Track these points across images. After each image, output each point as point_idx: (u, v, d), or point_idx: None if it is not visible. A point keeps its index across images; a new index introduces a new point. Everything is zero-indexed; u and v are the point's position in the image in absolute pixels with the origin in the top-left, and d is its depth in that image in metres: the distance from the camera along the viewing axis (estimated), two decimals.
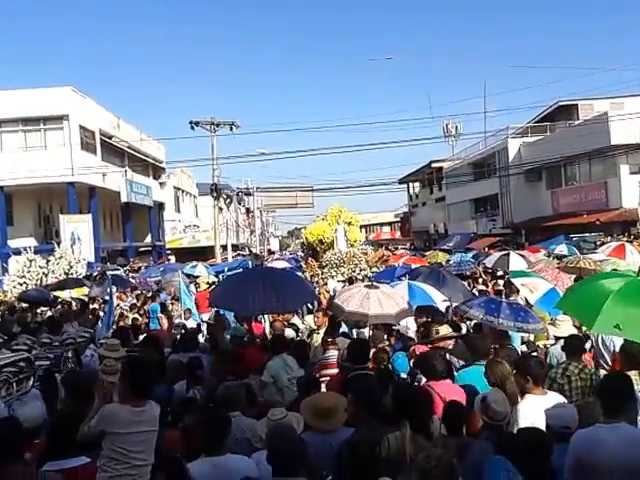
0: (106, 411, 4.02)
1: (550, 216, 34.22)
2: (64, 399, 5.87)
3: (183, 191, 54.95)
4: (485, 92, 75.52)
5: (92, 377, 5.84)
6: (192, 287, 18.14)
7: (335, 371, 6.89)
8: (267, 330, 9.65)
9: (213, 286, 16.64)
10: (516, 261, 14.62)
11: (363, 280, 16.66)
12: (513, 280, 10.43)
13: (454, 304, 8.91)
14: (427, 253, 26.29)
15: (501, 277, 15.52)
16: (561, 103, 38.59)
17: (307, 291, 9.19)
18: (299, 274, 14.92)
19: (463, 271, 16.81)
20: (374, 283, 9.04)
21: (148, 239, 42.71)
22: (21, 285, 21.14)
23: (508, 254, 15.59)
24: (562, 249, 17.78)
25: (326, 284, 16.95)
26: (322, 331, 8.83)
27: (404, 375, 6.65)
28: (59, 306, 16.03)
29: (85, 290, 18.05)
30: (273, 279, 8.49)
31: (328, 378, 6.80)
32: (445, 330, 6.90)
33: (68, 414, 4.84)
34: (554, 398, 5.14)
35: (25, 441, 3.94)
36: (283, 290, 8.00)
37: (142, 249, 41.70)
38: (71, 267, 22.72)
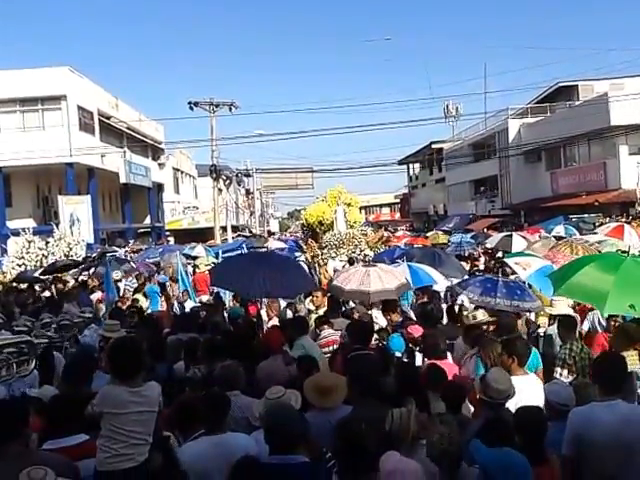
0: (104, 391, 4.06)
1: (549, 197, 34.21)
2: (61, 379, 5.92)
3: (182, 172, 54.81)
4: (485, 73, 75.00)
5: (87, 359, 5.91)
6: (190, 268, 18.17)
7: (331, 348, 7.00)
8: (263, 312, 9.64)
9: (212, 266, 16.72)
10: (519, 242, 14.66)
11: (364, 260, 16.77)
12: (507, 260, 10.49)
13: (455, 281, 8.93)
14: (429, 234, 26.31)
15: (500, 258, 15.56)
16: (561, 84, 38.43)
17: (308, 280, 9.25)
18: (300, 262, 14.92)
19: (462, 252, 16.85)
20: (371, 262, 9.16)
21: (147, 220, 42.68)
22: (20, 266, 21.19)
23: (511, 235, 15.61)
24: (560, 230, 17.79)
25: (326, 264, 16.97)
26: (321, 312, 8.85)
27: (398, 354, 6.70)
28: (59, 285, 16.08)
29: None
30: (276, 263, 8.60)
31: (328, 356, 6.85)
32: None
33: (64, 394, 4.90)
34: (534, 380, 5.26)
35: (26, 422, 3.91)
36: (286, 275, 8.09)
37: (141, 230, 41.68)
38: (70, 248, 22.74)
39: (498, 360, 5.29)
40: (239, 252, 23.27)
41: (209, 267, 18.61)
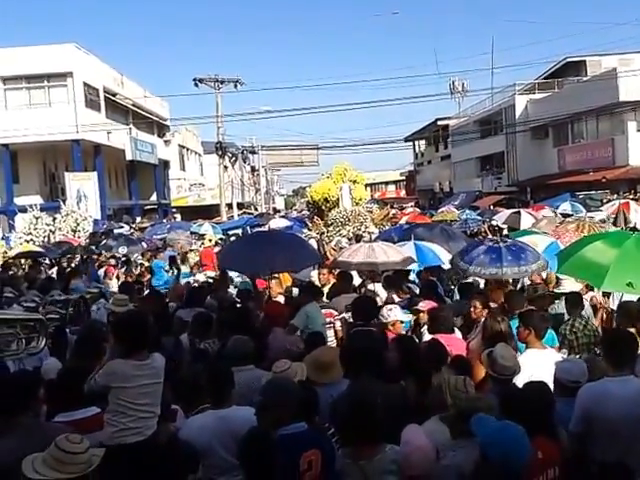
0: (108, 366, 4.06)
1: (556, 174, 33.98)
2: (72, 354, 6.00)
3: (188, 149, 54.65)
4: (493, 48, 74.02)
5: (100, 333, 5.99)
6: (194, 246, 18.31)
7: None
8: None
9: (218, 246, 16.85)
10: (526, 219, 14.70)
11: (370, 238, 16.78)
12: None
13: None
14: (439, 211, 26.16)
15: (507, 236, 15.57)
16: (569, 59, 37.94)
17: (312, 253, 9.32)
18: (303, 236, 14.97)
19: (469, 229, 16.86)
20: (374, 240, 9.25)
21: (154, 197, 42.70)
22: (28, 242, 21.38)
23: (519, 212, 15.65)
24: (566, 207, 17.77)
25: (331, 241, 16.99)
26: (326, 289, 8.95)
27: (403, 332, 6.76)
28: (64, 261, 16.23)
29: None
30: (280, 241, 8.75)
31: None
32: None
33: (75, 367, 4.98)
34: (552, 354, 5.25)
35: (36, 395, 3.99)
36: (290, 250, 8.21)
37: (148, 207, 41.73)
38: (77, 224, 22.96)
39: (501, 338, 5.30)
40: (242, 230, 23.53)
41: (216, 243, 18.87)
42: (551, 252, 8.19)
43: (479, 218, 19.91)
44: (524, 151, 38.40)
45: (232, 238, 21.06)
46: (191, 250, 17.19)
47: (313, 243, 13.02)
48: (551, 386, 4.14)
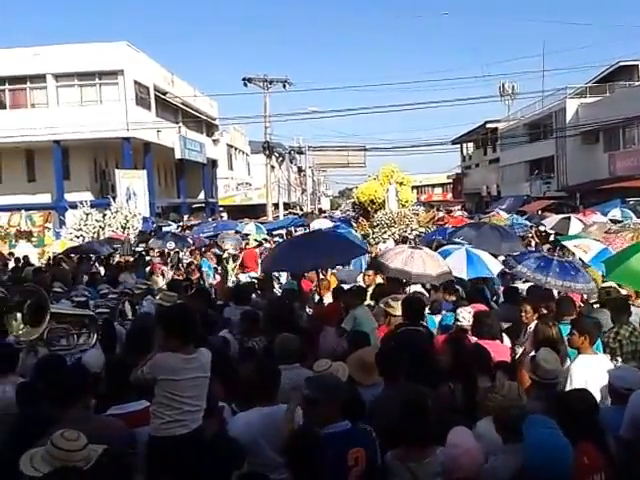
0: (157, 359, 4.09)
1: (606, 179, 33.15)
2: (123, 348, 6.08)
3: (236, 149, 55.22)
4: (544, 51, 72.72)
5: (148, 327, 6.06)
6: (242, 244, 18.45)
7: None
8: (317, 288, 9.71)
9: (261, 247, 17.02)
10: (576, 225, 14.36)
11: (415, 240, 16.67)
12: (565, 243, 10.23)
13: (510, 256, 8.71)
14: (486, 216, 25.66)
15: (555, 241, 15.28)
16: (622, 63, 37.08)
17: (355, 247, 9.31)
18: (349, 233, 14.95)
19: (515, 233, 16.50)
20: (417, 245, 9.10)
21: (201, 196, 43.21)
22: (78, 238, 21.91)
23: (569, 218, 15.30)
24: (616, 213, 17.29)
25: (377, 244, 16.95)
26: (371, 290, 8.92)
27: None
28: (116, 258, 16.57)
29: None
30: (320, 239, 8.79)
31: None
32: None
33: (125, 360, 5.05)
34: (604, 360, 5.14)
35: (86, 387, 4.05)
36: (331, 247, 8.26)
37: (195, 205, 42.28)
38: (127, 221, 23.35)
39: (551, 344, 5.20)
40: (287, 230, 23.65)
41: (259, 243, 19.03)
42: (602, 258, 8.07)
43: (526, 223, 19.49)
44: (574, 156, 37.65)
45: (276, 238, 21.22)
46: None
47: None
48: (598, 392, 4.13)
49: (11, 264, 16.66)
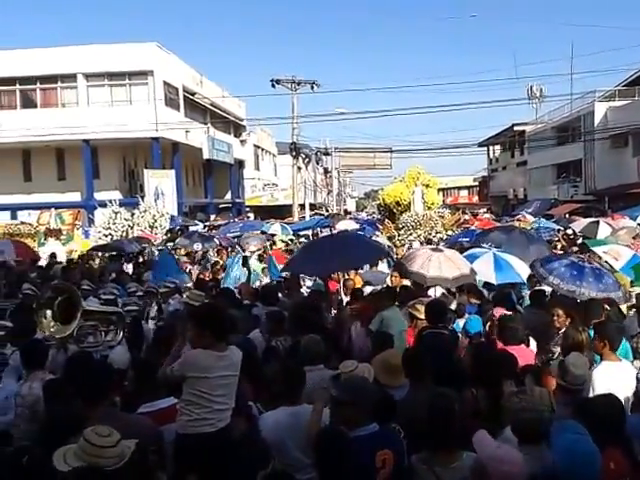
0: (189, 356, 4.08)
1: (635, 183, 32.64)
2: (151, 347, 6.12)
3: (263, 149, 55.43)
4: (572, 53, 71.63)
5: (178, 326, 6.11)
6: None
7: None
8: (341, 289, 9.73)
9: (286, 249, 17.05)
10: (604, 229, 14.13)
11: (439, 243, 16.59)
12: (595, 249, 10.06)
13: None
14: (511, 219, 25.37)
15: (583, 245, 15.05)
16: None
17: (376, 248, 9.31)
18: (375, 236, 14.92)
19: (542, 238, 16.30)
20: (439, 247, 8.98)
21: (228, 196, 43.39)
22: (106, 237, 22.19)
23: (597, 222, 15.06)
24: None
25: (403, 246, 16.91)
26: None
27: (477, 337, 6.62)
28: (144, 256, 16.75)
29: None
30: (346, 240, 8.83)
31: None
32: None
33: (151, 358, 5.11)
34: (627, 367, 5.08)
35: (113, 384, 4.11)
36: (356, 248, 8.29)
37: (222, 206, 42.46)
38: (155, 220, 23.59)
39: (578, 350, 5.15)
40: (312, 230, 23.67)
41: (286, 244, 19.08)
42: (633, 264, 7.93)
43: (553, 226, 19.21)
44: (602, 159, 37.20)
45: (302, 239, 21.26)
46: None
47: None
48: (621, 399, 4.00)
49: (43, 262, 16.87)
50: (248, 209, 45.72)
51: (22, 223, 24.76)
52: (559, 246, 15.45)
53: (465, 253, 9.50)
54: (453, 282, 7.93)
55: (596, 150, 37.55)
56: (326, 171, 65.97)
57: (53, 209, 27.72)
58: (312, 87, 35.01)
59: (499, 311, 6.72)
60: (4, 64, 30.04)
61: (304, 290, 10.24)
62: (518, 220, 22.75)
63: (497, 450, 3.28)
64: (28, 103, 32.06)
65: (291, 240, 20.69)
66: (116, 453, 2.94)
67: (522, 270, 8.76)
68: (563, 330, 5.94)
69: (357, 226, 23.67)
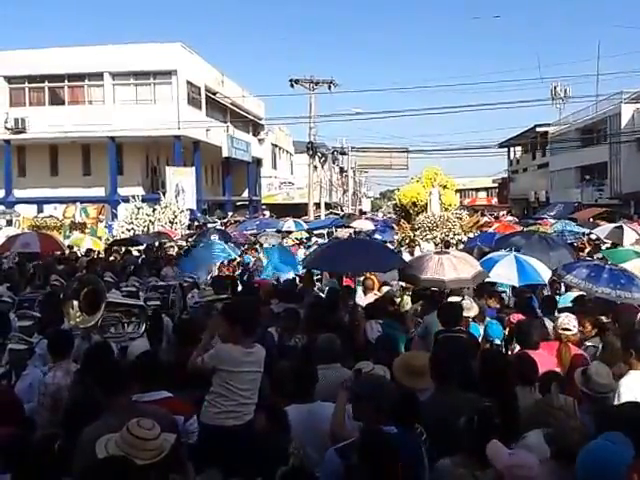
0: (220, 350, 4.19)
1: None
2: (173, 341, 6.22)
3: (280, 148, 55.63)
4: (598, 54, 69.63)
5: (201, 323, 6.22)
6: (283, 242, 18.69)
7: None
8: (359, 289, 9.81)
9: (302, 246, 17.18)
10: (630, 235, 13.81)
11: (457, 245, 16.52)
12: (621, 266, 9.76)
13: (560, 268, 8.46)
14: (531, 223, 25.02)
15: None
16: None
17: (397, 257, 9.39)
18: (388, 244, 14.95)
19: (565, 241, 16.16)
20: (444, 249, 8.89)
21: (245, 194, 43.73)
22: (129, 231, 22.56)
23: (621, 227, 14.76)
24: None
25: (419, 245, 16.86)
26: (411, 291, 8.95)
27: (498, 342, 6.60)
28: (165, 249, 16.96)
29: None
30: (363, 245, 8.98)
31: None
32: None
33: (157, 353, 5.19)
34: None
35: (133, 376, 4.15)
36: (373, 254, 8.21)
37: (239, 203, 42.81)
38: (175, 216, 23.91)
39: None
40: (327, 229, 23.76)
41: (299, 241, 19.22)
42: None
43: (577, 230, 18.88)
44: (628, 162, 36.53)
45: (314, 239, 21.30)
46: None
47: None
48: None
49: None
50: (264, 207, 45.97)
51: (50, 216, 25.22)
52: (586, 251, 15.20)
53: (484, 258, 9.40)
54: (472, 281, 7.70)
55: (622, 153, 36.90)
56: (342, 170, 65.96)
57: (78, 203, 28.20)
58: (329, 87, 35.11)
59: (516, 317, 6.68)
60: (34, 62, 30.69)
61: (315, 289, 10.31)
62: (538, 225, 22.36)
63: (512, 457, 3.29)
64: (56, 100, 32.67)
65: (307, 238, 20.77)
66: (156, 446, 2.99)
67: (543, 272, 8.62)
68: (588, 340, 5.88)
69: (372, 227, 23.66)
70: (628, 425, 3.42)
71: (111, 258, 15.32)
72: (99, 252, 17.17)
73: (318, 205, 40.38)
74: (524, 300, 7.96)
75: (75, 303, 5.96)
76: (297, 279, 11.11)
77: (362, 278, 9.91)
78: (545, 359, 5.52)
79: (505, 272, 8.44)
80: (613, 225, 16.09)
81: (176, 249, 17.27)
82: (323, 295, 9.22)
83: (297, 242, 19.45)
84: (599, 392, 4.26)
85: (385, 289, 9.76)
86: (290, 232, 22.27)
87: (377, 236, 20.74)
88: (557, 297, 8.71)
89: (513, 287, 9.07)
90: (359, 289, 9.70)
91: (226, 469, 3.92)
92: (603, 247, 15.28)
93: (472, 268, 7.69)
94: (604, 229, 15.83)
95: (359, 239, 11.44)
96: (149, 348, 5.92)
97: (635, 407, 3.74)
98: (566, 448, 3.41)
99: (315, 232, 23.54)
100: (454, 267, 7.52)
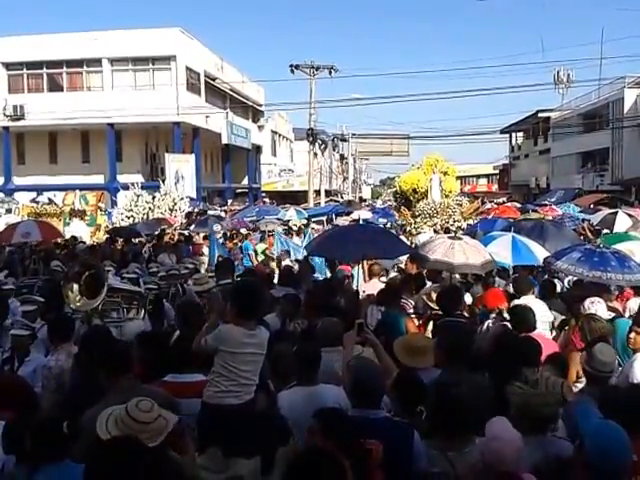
0: (223, 330, 4.18)
1: None
2: (178, 324, 6.28)
3: (280, 135, 55.43)
4: (602, 38, 68.92)
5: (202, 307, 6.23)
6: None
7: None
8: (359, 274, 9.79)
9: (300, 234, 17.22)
10: (622, 221, 13.73)
11: (457, 232, 16.51)
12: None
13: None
14: (532, 211, 24.84)
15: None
16: None
17: (404, 244, 9.37)
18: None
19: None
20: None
21: (245, 181, 43.59)
22: (128, 219, 22.56)
23: (616, 213, 14.67)
24: None
25: (419, 234, 16.87)
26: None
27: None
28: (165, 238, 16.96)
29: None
30: (369, 231, 8.88)
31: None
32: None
33: (162, 334, 5.22)
34: None
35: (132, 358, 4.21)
36: (380, 240, 8.23)
37: (239, 191, 42.67)
38: (175, 204, 23.90)
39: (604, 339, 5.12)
40: (327, 217, 23.72)
41: (299, 229, 19.18)
42: None
43: (580, 216, 18.76)
44: (631, 148, 36.34)
45: (313, 225, 21.26)
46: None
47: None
48: None
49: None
50: (264, 194, 45.89)
51: (49, 202, 25.17)
52: (584, 238, 15.13)
53: (484, 236, 9.44)
54: (481, 268, 7.75)
55: (625, 138, 36.73)
56: (342, 157, 65.81)
57: (78, 191, 28.13)
58: (330, 72, 34.92)
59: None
60: (32, 48, 30.54)
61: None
62: (537, 211, 22.16)
63: (489, 429, 3.24)
64: (54, 87, 32.53)
65: (305, 225, 20.75)
66: (153, 428, 3.03)
67: (539, 253, 8.65)
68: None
69: (370, 215, 23.57)
70: (631, 406, 3.46)
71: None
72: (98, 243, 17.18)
73: (318, 192, 40.31)
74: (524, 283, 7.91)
75: (76, 287, 6.00)
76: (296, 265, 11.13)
77: (367, 263, 9.89)
78: (545, 342, 5.54)
79: (500, 250, 8.54)
80: (608, 211, 16.02)
81: (176, 237, 17.26)
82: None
83: (294, 230, 19.39)
84: (601, 371, 4.26)
85: (392, 275, 9.76)
86: (290, 221, 22.22)
87: (381, 219, 20.81)
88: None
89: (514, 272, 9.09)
90: (359, 274, 9.70)
91: (226, 448, 3.95)
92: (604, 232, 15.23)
93: (482, 256, 7.73)
94: (597, 215, 15.78)
95: (365, 225, 11.41)
96: (143, 329, 5.95)
97: (632, 388, 3.82)
98: (529, 420, 3.45)
99: (313, 219, 23.47)
100: (464, 252, 7.56)
